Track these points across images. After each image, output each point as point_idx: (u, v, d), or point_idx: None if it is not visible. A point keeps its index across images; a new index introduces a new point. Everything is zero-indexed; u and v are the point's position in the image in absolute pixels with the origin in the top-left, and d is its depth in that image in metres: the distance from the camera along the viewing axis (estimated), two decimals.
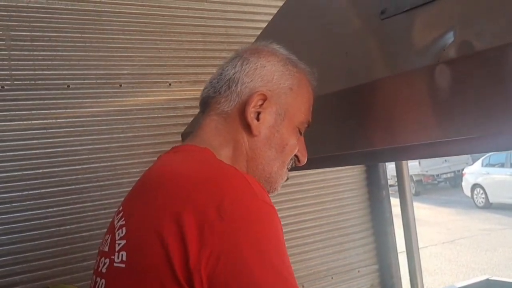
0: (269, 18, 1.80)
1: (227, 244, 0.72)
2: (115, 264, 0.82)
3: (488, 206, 11.71)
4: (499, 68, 0.77)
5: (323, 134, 1.16)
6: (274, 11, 1.81)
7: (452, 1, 0.98)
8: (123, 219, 0.88)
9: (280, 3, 1.79)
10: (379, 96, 1.01)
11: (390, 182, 2.93)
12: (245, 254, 0.72)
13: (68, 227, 1.97)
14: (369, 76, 1.07)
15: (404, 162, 2.38)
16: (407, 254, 2.45)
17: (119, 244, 0.84)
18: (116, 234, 0.86)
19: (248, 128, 0.96)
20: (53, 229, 1.94)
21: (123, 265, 0.81)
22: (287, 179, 1.04)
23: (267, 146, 0.98)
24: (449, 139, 0.95)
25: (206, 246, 0.71)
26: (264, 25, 1.80)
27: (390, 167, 2.91)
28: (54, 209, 1.95)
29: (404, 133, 0.97)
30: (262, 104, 0.97)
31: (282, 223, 0.80)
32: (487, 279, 2.72)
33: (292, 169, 1.06)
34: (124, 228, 0.85)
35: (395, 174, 2.74)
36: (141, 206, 0.86)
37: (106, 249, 0.88)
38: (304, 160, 1.05)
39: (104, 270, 0.86)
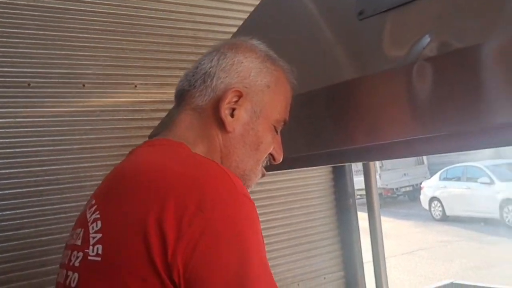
0: (239, 22, 1.78)
1: (204, 236, 0.71)
2: (89, 258, 0.81)
3: (445, 218, 12.03)
4: (474, 67, 0.79)
5: (299, 134, 1.15)
6: (245, 16, 1.79)
7: (430, 1, 0.99)
8: (97, 212, 0.86)
9: (250, 9, 1.78)
10: (358, 95, 1.01)
11: None
12: (221, 247, 0.72)
13: (27, 230, 1.87)
14: (347, 75, 1.07)
15: (372, 173, 2.39)
16: (373, 264, 2.43)
17: (93, 238, 0.82)
18: (90, 228, 0.84)
19: (222, 124, 0.95)
20: (10, 233, 1.84)
21: (98, 259, 0.79)
22: (263, 175, 1.02)
23: (241, 144, 0.97)
24: (425, 136, 0.95)
25: (183, 238, 0.71)
26: (234, 29, 1.78)
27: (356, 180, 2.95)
28: (12, 211, 1.85)
29: (383, 131, 0.97)
30: (237, 101, 0.96)
31: None
32: (451, 283, 2.78)
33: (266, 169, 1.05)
34: (99, 222, 0.83)
35: (359, 187, 2.78)
36: (119, 199, 0.84)
37: (78, 242, 0.86)
38: (279, 158, 1.04)
39: (77, 264, 0.84)
